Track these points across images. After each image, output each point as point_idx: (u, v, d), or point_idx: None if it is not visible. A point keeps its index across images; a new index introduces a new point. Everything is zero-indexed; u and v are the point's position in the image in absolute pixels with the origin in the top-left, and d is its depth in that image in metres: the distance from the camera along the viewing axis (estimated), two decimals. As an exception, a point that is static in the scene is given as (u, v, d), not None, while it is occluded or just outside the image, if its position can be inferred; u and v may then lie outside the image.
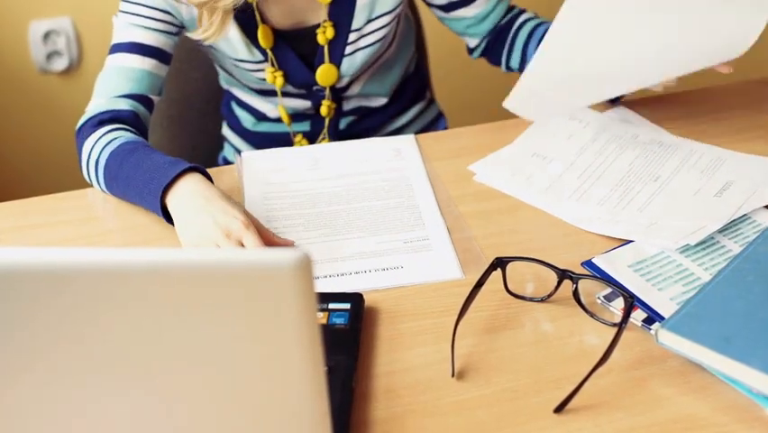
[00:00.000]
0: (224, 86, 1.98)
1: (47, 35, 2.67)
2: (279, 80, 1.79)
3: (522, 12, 1.86)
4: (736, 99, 1.82)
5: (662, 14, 1.53)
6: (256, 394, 0.85)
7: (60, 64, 2.73)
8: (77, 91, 2.70)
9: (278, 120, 1.91)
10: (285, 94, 1.85)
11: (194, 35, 1.64)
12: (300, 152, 1.72)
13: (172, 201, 1.44)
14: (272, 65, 1.77)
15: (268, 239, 1.41)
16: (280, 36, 1.76)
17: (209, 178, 1.48)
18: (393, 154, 1.67)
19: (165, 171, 1.46)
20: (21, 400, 0.86)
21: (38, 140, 2.82)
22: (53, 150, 2.80)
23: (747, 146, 1.63)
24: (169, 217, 1.45)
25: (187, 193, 1.44)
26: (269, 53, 1.75)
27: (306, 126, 1.92)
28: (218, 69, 1.93)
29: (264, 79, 1.80)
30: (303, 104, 1.87)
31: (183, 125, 2.13)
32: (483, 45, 1.88)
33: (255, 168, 1.66)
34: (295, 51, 1.77)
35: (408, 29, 1.98)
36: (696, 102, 1.81)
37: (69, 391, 0.85)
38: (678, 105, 1.80)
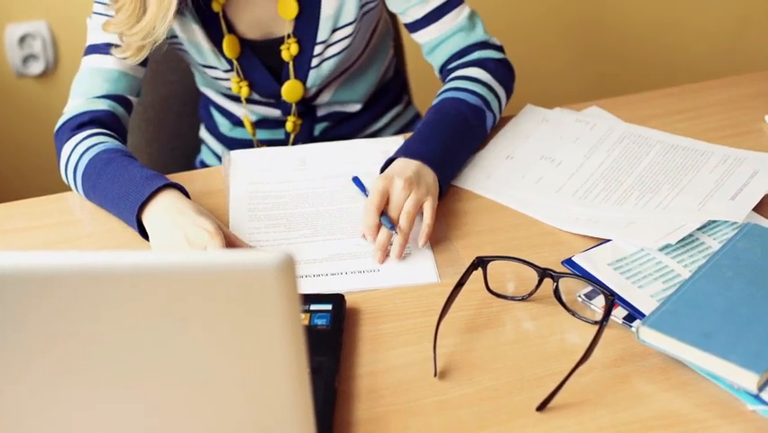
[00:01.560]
0: (201, 88, 1.98)
1: (23, 39, 2.66)
2: (245, 90, 1.79)
3: (470, 63, 1.73)
4: (710, 98, 1.83)
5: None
6: (240, 395, 0.85)
7: (37, 68, 2.71)
8: (55, 94, 2.69)
9: (254, 125, 1.91)
10: (254, 102, 1.85)
11: (116, 52, 1.63)
12: (288, 152, 1.72)
13: (148, 218, 1.45)
14: (238, 75, 1.77)
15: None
16: (248, 46, 1.76)
17: (185, 192, 1.48)
18: (381, 156, 1.66)
19: (141, 188, 1.46)
20: (4, 403, 0.86)
21: (16, 144, 2.81)
22: (31, 153, 2.78)
23: (725, 144, 1.64)
24: (144, 231, 1.45)
25: (162, 210, 1.44)
26: (235, 63, 1.75)
27: (280, 134, 1.91)
28: (193, 71, 1.93)
29: (230, 88, 1.80)
30: (273, 112, 1.87)
31: (160, 128, 2.13)
32: (441, 77, 1.80)
33: (243, 167, 1.66)
34: (262, 62, 1.77)
35: (386, 33, 1.97)
36: (669, 101, 1.82)
37: (55, 394, 0.85)
38: (652, 105, 1.81)
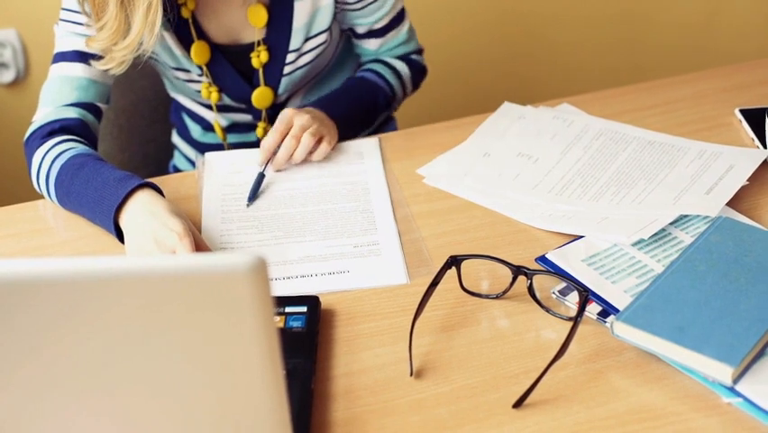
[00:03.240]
0: (172, 94, 1.97)
1: (-8, 47, 2.65)
2: (215, 96, 1.79)
3: (387, 61, 1.91)
4: (680, 93, 1.84)
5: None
6: (216, 398, 0.85)
7: (7, 76, 2.70)
8: (25, 103, 2.67)
9: (226, 130, 1.91)
10: (225, 107, 1.85)
11: (97, 65, 1.63)
12: None
13: (123, 220, 1.44)
14: (208, 80, 1.77)
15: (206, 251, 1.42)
16: (219, 51, 1.75)
17: (159, 191, 1.48)
18: (355, 158, 1.67)
19: (115, 190, 1.45)
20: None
21: (-13, 153, 2.80)
22: (3, 162, 2.77)
23: (696, 138, 1.64)
24: (121, 234, 1.45)
25: (137, 211, 1.43)
26: (205, 69, 1.75)
27: (251, 137, 1.91)
28: (163, 78, 1.93)
29: (200, 92, 1.80)
30: (244, 117, 1.87)
31: (132, 134, 2.12)
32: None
33: (216, 169, 1.66)
34: (234, 66, 1.77)
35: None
36: (638, 96, 1.84)
37: (29, 399, 0.84)
38: (621, 101, 1.82)
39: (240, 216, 1.54)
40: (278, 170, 1.64)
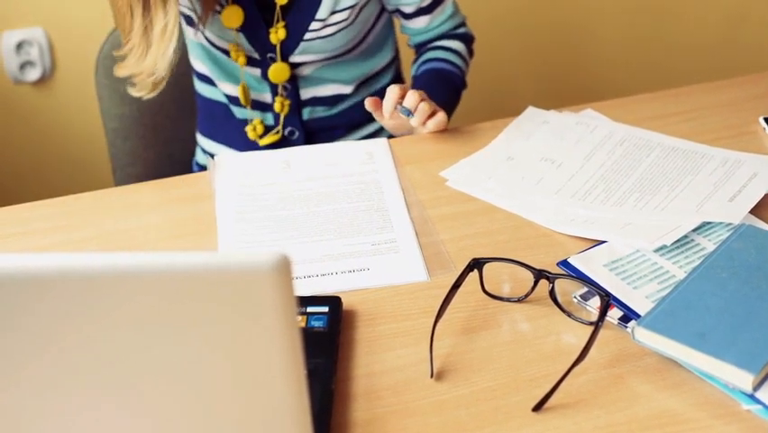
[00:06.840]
0: (198, 89, 1.98)
1: (20, 45, 2.66)
2: (242, 59, 1.83)
3: (443, 38, 1.97)
4: (704, 100, 1.84)
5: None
6: (237, 397, 0.85)
7: (34, 74, 2.71)
8: (52, 100, 2.69)
9: (246, 117, 1.94)
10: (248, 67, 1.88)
11: (132, 91, 1.69)
12: (272, 155, 1.72)
13: None
14: (237, 44, 1.82)
15: None
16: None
17: None
18: (365, 158, 1.68)
19: None
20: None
21: (13, 150, 2.80)
22: (28, 159, 2.78)
23: (720, 145, 1.64)
24: None
25: None
26: (234, 33, 1.79)
27: (269, 120, 1.93)
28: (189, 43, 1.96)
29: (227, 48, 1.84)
30: (262, 89, 1.90)
31: (157, 133, 2.13)
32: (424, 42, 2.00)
33: (227, 170, 1.67)
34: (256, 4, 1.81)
35: (388, 33, 1.99)
36: (662, 104, 1.83)
37: (49, 397, 0.85)
38: (645, 108, 1.82)
39: (254, 217, 1.55)
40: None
